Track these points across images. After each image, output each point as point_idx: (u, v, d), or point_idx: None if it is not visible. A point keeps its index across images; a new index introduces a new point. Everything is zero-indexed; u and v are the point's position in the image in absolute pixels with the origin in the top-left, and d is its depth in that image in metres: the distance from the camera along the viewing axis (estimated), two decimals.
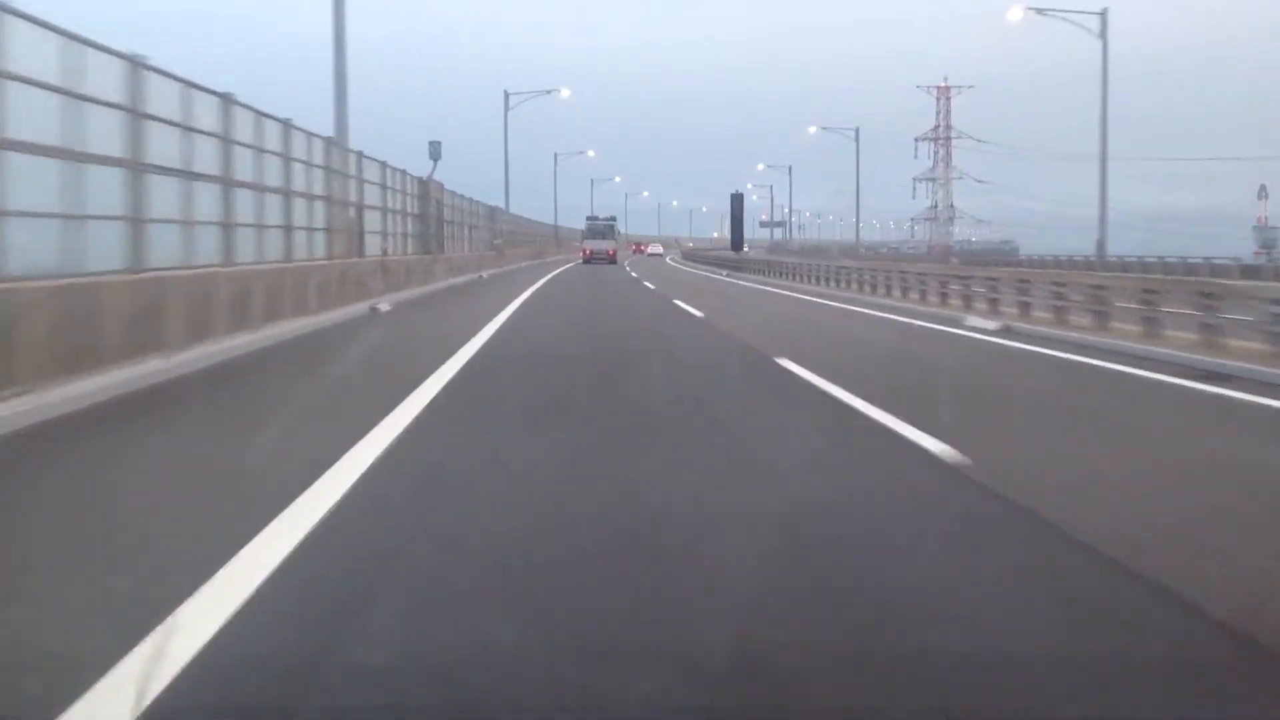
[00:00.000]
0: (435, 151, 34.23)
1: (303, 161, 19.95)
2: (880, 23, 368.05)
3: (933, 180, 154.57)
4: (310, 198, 20.38)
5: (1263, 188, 54.43)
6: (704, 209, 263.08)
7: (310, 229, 20.37)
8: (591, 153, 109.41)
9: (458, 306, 25.16)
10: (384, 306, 21.60)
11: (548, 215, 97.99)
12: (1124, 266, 42.90)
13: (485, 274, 42.97)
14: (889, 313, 23.21)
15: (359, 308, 20.49)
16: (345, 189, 22.71)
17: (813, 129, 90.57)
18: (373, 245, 25.09)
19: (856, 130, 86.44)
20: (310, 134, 20.67)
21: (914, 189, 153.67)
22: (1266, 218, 52.96)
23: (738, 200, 72.51)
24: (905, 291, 28.12)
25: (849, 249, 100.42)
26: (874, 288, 30.43)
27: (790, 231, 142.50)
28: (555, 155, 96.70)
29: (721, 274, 55.29)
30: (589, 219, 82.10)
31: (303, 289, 17.37)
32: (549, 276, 44.46)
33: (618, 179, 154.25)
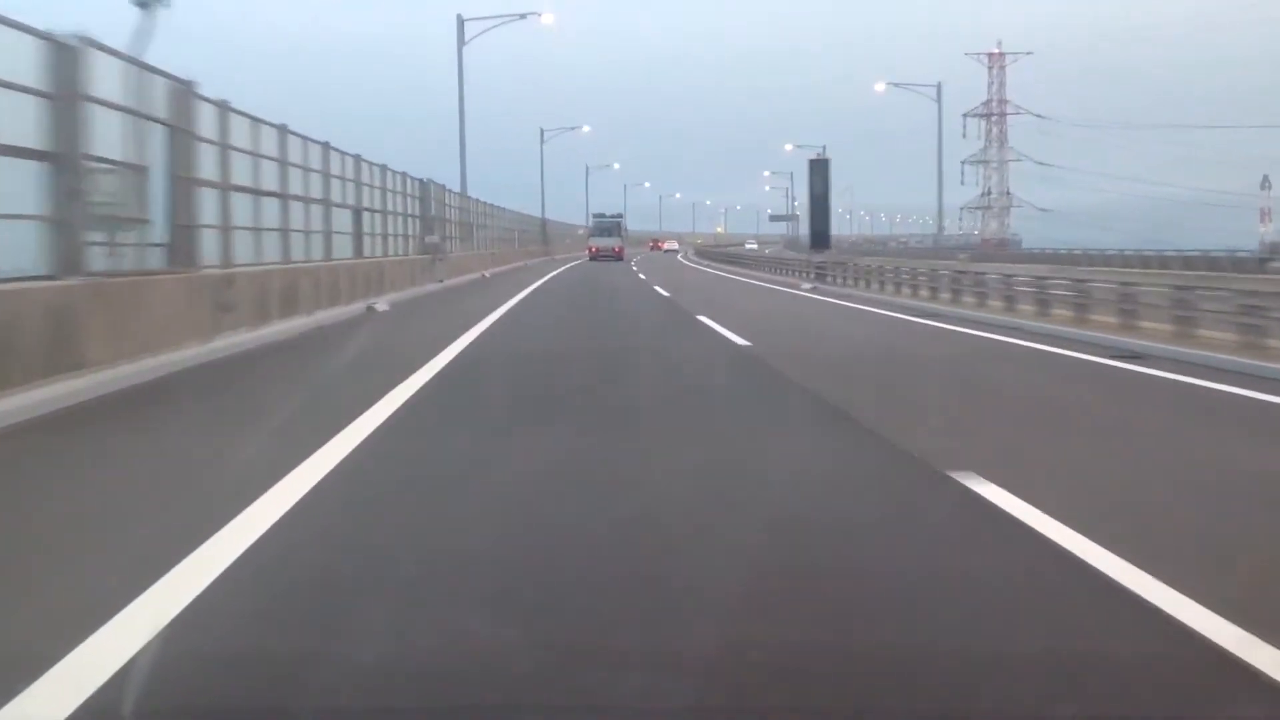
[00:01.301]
0: None
1: None
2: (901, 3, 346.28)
3: (984, 163, 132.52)
4: None
5: (1265, 178, 47.10)
6: (707, 202, 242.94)
7: None
8: (587, 128, 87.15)
9: None
10: None
11: (539, 210, 77.31)
12: None
13: (381, 304, 21.56)
14: None
15: None
16: None
17: (880, 86, 70.05)
18: None
19: (938, 86, 65.67)
20: None
21: (962, 173, 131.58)
22: (1269, 210, 47.34)
23: (819, 171, 41.23)
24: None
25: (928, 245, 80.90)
26: None
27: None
28: (541, 131, 74.88)
29: (804, 288, 33.89)
30: (596, 216, 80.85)
31: None
32: (513, 302, 23.16)
33: (616, 165, 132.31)
